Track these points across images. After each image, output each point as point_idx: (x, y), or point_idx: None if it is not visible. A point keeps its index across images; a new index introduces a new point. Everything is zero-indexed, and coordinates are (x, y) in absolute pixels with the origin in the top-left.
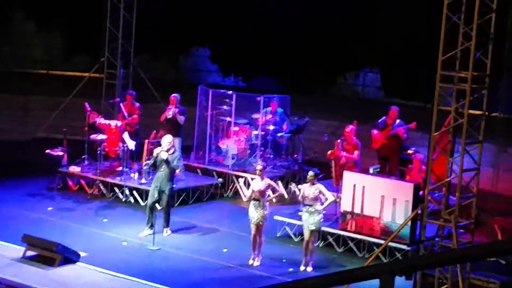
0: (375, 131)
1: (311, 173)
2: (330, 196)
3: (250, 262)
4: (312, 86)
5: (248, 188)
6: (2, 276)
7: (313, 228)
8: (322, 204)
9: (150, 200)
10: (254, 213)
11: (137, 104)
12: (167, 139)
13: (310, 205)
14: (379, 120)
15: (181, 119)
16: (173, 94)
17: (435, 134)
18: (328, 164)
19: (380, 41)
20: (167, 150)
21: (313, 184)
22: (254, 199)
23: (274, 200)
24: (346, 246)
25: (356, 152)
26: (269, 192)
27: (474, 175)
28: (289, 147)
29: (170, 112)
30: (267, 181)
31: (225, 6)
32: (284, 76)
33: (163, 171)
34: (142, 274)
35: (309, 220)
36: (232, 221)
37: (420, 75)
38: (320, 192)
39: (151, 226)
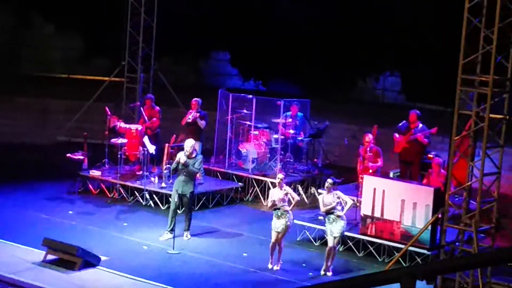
0: (397, 135)
1: (330, 180)
2: (349, 200)
3: (269, 266)
4: (332, 90)
5: (267, 193)
6: (23, 280)
7: (338, 235)
8: (342, 209)
9: (172, 205)
10: (277, 223)
11: (157, 108)
12: (189, 143)
13: (332, 213)
14: (400, 124)
15: (201, 123)
16: (195, 99)
17: (456, 138)
18: (348, 168)
19: (401, 44)
20: (190, 154)
21: (330, 191)
22: (275, 209)
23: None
24: (366, 251)
25: (379, 160)
26: (289, 197)
27: (495, 179)
28: (309, 151)
29: (190, 116)
30: (286, 189)
31: (245, 10)
32: (304, 80)
33: (184, 175)
34: (162, 278)
35: (333, 229)
36: (252, 225)
37: (441, 79)
38: (339, 198)
39: (172, 230)
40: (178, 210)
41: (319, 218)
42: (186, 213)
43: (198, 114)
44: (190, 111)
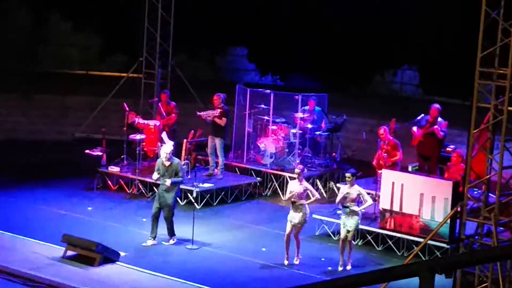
0: (415, 129)
1: (348, 174)
2: (369, 200)
3: (285, 262)
4: (349, 84)
5: (285, 188)
6: (42, 276)
7: (351, 229)
8: (359, 205)
9: (152, 211)
10: (294, 215)
11: (173, 103)
12: (165, 149)
13: (348, 206)
14: (419, 118)
15: (220, 121)
16: (216, 94)
17: (474, 131)
18: (366, 162)
19: (418, 38)
20: (167, 161)
21: (352, 185)
22: (293, 202)
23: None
24: (385, 245)
25: (398, 153)
26: (308, 193)
27: None
28: (327, 146)
29: (203, 113)
30: (305, 185)
31: (262, 5)
32: (322, 74)
33: (163, 184)
34: (181, 274)
35: (348, 222)
36: (270, 220)
37: (459, 72)
38: (359, 194)
39: (155, 237)
40: (196, 205)
41: (337, 212)
42: (167, 222)
43: (215, 113)
44: (207, 112)
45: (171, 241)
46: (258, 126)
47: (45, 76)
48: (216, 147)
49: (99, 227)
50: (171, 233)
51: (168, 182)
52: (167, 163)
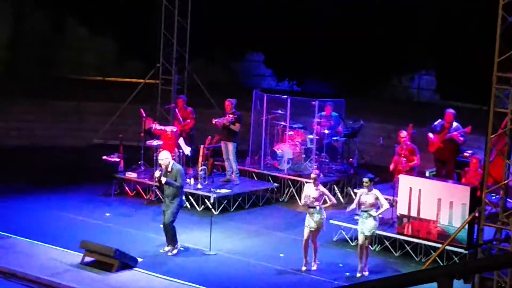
0: (431, 135)
1: (366, 179)
2: (385, 204)
3: (303, 268)
4: (367, 90)
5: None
6: (60, 282)
7: (368, 234)
8: (377, 210)
9: (162, 221)
10: (311, 220)
11: (190, 108)
12: (163, 156)
13: (366, 211)
14: (435, 123)
15: (234, 127)
16: (228, 99)
17: (492, 136)
18: (383, 167)
19: (435, 43)
20: (166, 167)
21: (370, 190)
22: (310, 207)
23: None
24: (402, 250)
25: (415, 158)
26: (325, 198)
27: None
28: (344, 151)
29: (218, 120)
30: (321, 189)
31: (278, 10)
32: (339, 79)
33: (165, 191)
34: (199, 279)
35: (365, 226)
36: (288, 226)
37: (476, 77)
38: (377, 198)
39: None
40: (214, 210)
41: (355, 218)
42: (168, 230)
43: (230, 117)
44: (222, 118)
45: (174, 251)
46: (275, 131)
47: (61, 81)
48: (229, 152)
49: (116, 233)
50: (173, 241)
51: (163, 179)
52: (169, 169)
